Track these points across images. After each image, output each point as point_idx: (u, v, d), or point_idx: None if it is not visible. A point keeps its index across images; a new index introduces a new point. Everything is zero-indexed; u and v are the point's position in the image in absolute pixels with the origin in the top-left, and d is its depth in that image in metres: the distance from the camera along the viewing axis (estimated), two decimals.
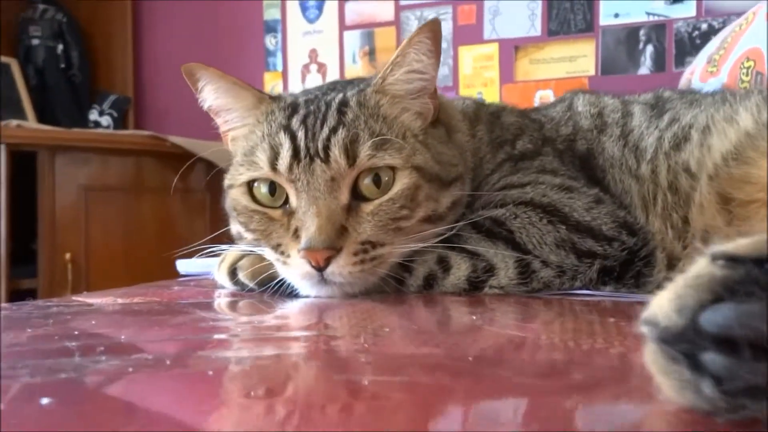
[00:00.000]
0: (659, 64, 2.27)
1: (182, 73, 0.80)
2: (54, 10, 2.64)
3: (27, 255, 2.11)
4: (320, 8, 2.66)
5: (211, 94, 0.81)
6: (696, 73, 1.19)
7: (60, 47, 2.64)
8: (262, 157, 0.74)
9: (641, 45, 2.29)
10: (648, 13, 2.28)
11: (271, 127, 0.76)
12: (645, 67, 2.29)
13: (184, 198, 2.48)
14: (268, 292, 0.73)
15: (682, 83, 1.27)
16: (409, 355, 0.44)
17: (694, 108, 0.80)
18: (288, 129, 0.75)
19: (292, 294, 0.72)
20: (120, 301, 0.71)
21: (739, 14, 2.09)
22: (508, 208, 0.74)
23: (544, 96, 2.38)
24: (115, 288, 0.84)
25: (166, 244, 2.42)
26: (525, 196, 0.75)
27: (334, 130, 0.72)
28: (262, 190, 0.75)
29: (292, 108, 0.78)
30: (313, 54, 2.68)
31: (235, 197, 0.78)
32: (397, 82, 0.76)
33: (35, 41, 2.59)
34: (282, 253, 0.72)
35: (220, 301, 0.73)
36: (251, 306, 0.70)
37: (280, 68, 2.69)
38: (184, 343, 0.48)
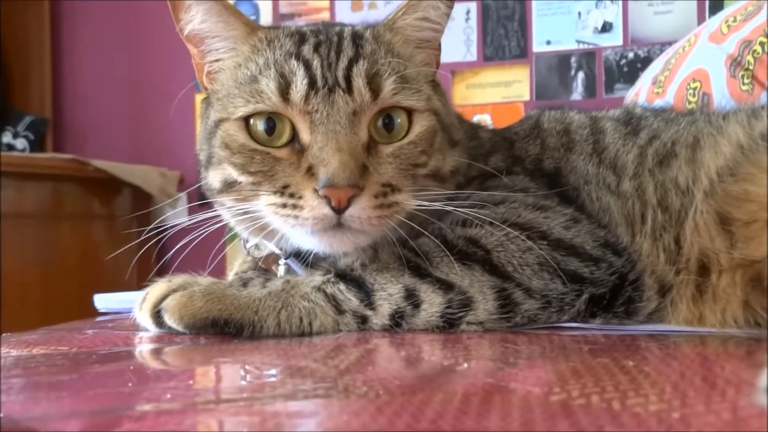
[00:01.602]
0: (590, 90, 2.34)
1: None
2: None
3: None
4: (255, 7, 2.61)
5: (198, 16, 0.72)
6: (642, 95, 1.21)
7: None
8: (270, 86, 0.67)
9: (573, 71, 2.36)
10: (578, 41, 2.35)
11: (276, 54, 0.69)
12: (577, 93, 2.35)
13: (109, 226, 2.33)
14: (201, 333, 0.62)
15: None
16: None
17: (673, 125, 0.79)
18: (300, 56, 0.68)
19: (232, 335, 0.62)
20: (15, 353, 0.58)
21: (662, 43, 2.20)
22: (483, 227, 0.67)
23: (482, 120, 2.40)
24: (21, 326, 0.71)
25: (89, 276, 2.29)
26: (498, 215, 0.68)
27: (354, 60, 0.68)
28: (258, 127, 0.68)
29: (300, 36, 0.71)
30: None
31: (230, 133, 0.69)
32: (409, 26, 0.73)
33: None
34: (291, 195, 0.64)
35: (143, 349, 0.62)
36: (183, 355, 0.59)
37: None
38: (90, 421, 0.36)
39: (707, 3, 2.21)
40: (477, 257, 0.65)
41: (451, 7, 0.74)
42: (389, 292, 0.64)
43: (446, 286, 0.63)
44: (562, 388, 0.40)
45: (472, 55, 2.42)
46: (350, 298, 0.64)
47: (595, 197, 0.76)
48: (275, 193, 0.66)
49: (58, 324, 0.81)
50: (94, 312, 0.97)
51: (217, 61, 0.74)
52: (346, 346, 0.58)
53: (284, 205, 0.65)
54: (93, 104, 2.69)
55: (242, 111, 0.68)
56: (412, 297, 0.63)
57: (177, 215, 2.63)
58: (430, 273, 0.65)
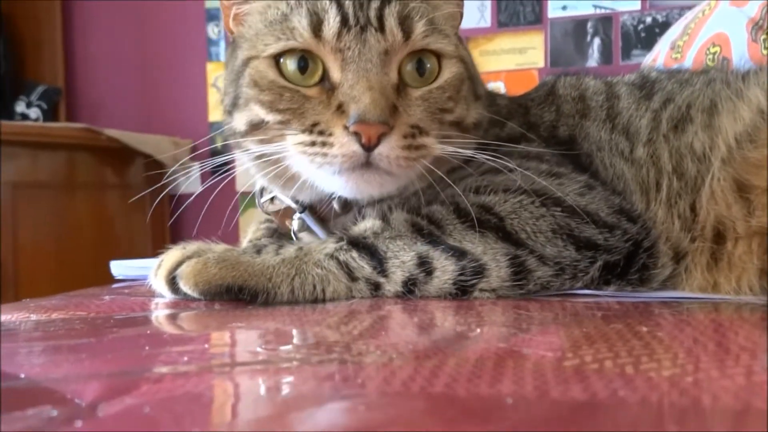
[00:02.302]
0: (606, 56, 2.30)
1: None
2: None
3: None
4: None
5: None
6: (659, 60, 1.19)
7: None
8: (302, 23, 0.67)
9: (589, 37, 2.31)
10: (594, 6, 2.30)
11: None
12: (593, 60, 2.31)
13: (122, 195, 2.35)
14: (216, 300, 0.63)
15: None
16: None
17: (687, 87, 0.77)
18: None
19: (246, 301, 0.62)
20: (34, 317, 0.58)
21: (681, 8, 2.14)
22: (497, 193, 0.67)
23: (495, 88, 2.37)
24: (36, 297, 0.71)
25: (103, 244, 2.31)
26: (512, 182, 0.67)
27: (385, 2, 0.68)
28: (289, 66, 0.68)
29: None
30: None
31: (260, 70, 0.69)
32: None
33: None
34: (321, 132, 0.64)
35: (159, 315, 0.62)
36: (198, 321, 0.59)
37: (223, 58, 2.58)
38: (108, 383, 0.36)
39: None
40: (490, 224, 0.65)
41: None
42: (402, 260, 0.63)
43: (459, 254, 0.63)
44: (575, 354, 0.40)
45: (486, 21, 2.38)
46: (363, 266, 0.64)
47: (609, 164, 0.75)
48: (304, 131, 0.66)
49: (76, 290, 0.82)
50: (109, 280, 0.98)
51: (245, 2, 0.74)
52: (359, 313, 0.58)
53: (313, 143, 0.65)
54: (105, 73, 2.69)
55: (273, 48, 0.68)
56: (425, 264, 0.63)
57: (190, 183, 2.65)
58: (444, 240, 0.64)
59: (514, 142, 0.76)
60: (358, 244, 0.65)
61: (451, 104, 0.70)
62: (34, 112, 2.47)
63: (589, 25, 2.31)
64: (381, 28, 0.67)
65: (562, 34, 2.33)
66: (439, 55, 0.71)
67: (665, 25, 2.08)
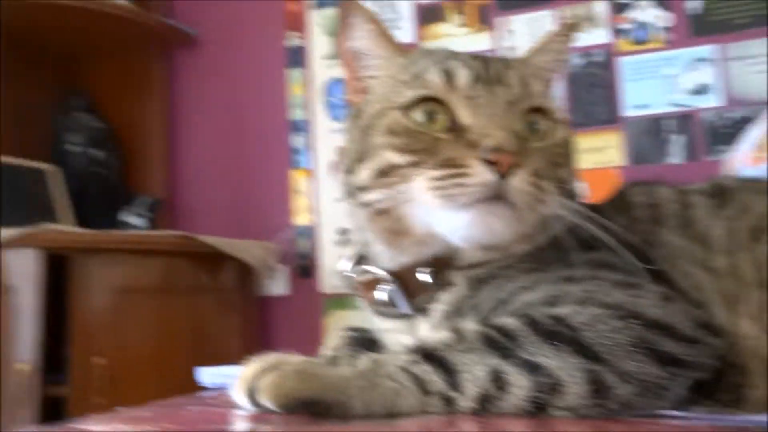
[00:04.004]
0: (689, 153, 2.26)
1: (339, 10, 0.87)
2: (92, 117, 2.75)
3: (57, 361, 2.07)
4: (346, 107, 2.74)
5: (362, 34, 0.83)
6: (741, 160, 1.16)
7: (97, 152, 2.72)
8: (435, 78, 0.75)
9: (669, 135, 2.29)
10: (672, 104, 2.30)
11: (437, 58, 0.78)
12: (675, 157, 2.28)
13: (216, 298, 2.46)
14: (294, 413, 0.63)
15: (725, 170, 1.24)
16: None
17: (762, 196, 0.75)
18: (460, 59, 0.77)
19: (323, 414, 0.62)
20: (123, 429, 0.61)
21: (765, 103, 2.10)
22: (570, 305, 0.65)
23: (580, 187, 2.36)
24: (135, 396, 0.75)
25: (197, 346, 2.41)
26: (585, 293, 0.66)
27: (506, 67, 0.77)
28: (417, 118, 0.75)
29: (453, 52, 0.82)
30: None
31: (393, 118, 0.76)
32: (538, 63, 0.82)
33: (73, 147, 2.69)
34: (454, 165, 0.69)
35: (240, 429, 0.64)
36: None
37: (307, 166, 2.73)
38: None
39: None
40: (565, 337, 0.63)
41: (566, 54, 0.86)
42: (475, 374, 0.62)
43: (533, 368, 0.61)
44: None
45: None
46: (435, 380, 0.63)
47: (687, 273, 0.73)
48: (436, 166, 0.71)
49: (166, 399, 0.86)
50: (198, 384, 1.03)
51: (370, 77, 0.85)
52: (432, 430, 0.58)
53: (447, 176, 0.70)
54: (202, 183, 2.91)
55: (409, 96, 0.76)
56: (498, 379, 0.61)
57: (278, 287, 2.75)
58: (517, 354, 0.63)
59: (586, 249, 0.76)
60: (430, 356, 0.65)
61: (562, 161, 0.75)
62: (138, 221, 2.68)
63: (668, 122, 2.30)
64: (505, 83, 0.75)
65: (640, 132, 2.33)
66: (550, 117, 0.77)
67: (748, 121, 2.03)
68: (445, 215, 0.72)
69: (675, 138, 2.29)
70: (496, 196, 0.68)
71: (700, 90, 2.25)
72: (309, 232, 2.68)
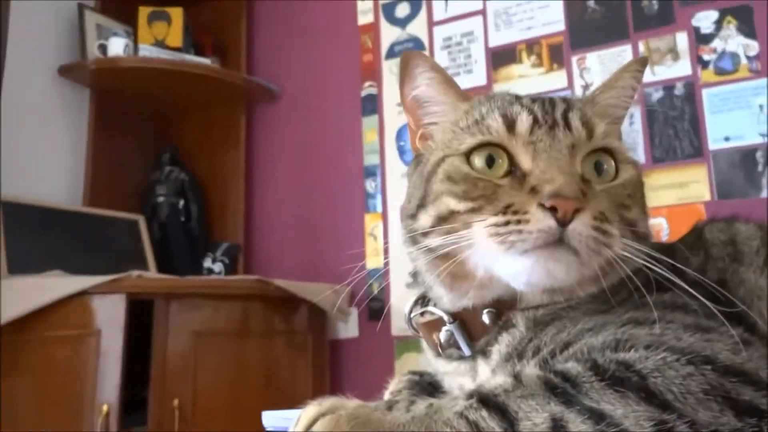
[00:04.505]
0: None
1: (401, 60, 0.86)
2: (178, 170, 2.91)
3: (137, 403, 2.14)
4: None
5: (424, 82, 0.84)
6: None
7: (181, 202, 2.87)
8: (496, 123, 0.74)
9: (760, 167, 2.15)
10: (762, 135, 2.16)
11: (498, 104, 0.78)
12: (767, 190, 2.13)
13: (288, 341, 2.49)
14: None
15: None
16: None
17: None
18: (521, 103, 0.77)
19: None
20: None
21: None
22: (637, 350, 0.61)
23: (656, 224, 2.25)
24: None
25: (271, 388, 2.43)
26: (654, 337, 0.62)
27: (568, 110, 0.75)
28: (477, 162, 0.74)
29: (515, 96, 0.81)
30: None
31: (455, 165, 0.76)
32: (607, 99, 0.81)
33: (160, 198, 2.84)
34: (515, 212, 0.67)
35: None
36: None
37: (379, 209, 2.75)
38: None
39: None
40: (631, 383, 0.58)
41: (636, 89, 0.83)
42: (534, 422, 0.58)
43: (597, 416, 0.56)
44: None
45: (640, 158, 2.32)
46: (493, 426, 0.60)
47: None
48: (497, 213, 0.69)
49: None
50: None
51: (432, 124, 0.85)
52: None
53: (507, 223, 0.68)
54: (277, 228, 2.99)
55: (468, 143, 0.76)
56: (559, 428, 0.57)
57: (348, 329, 2.75)
58: (579, 401, 0.58)
59: (659, 290, 0.71)
60: (488, 402, 0.62)
61: (629, 202, 0.73)
62: (217, 267, 2.77)
63: (759, 154, 2.15)
64: (567, 126, 0.73)
65: (729, 165, 2.19)
66: (616, 158, 0.74)
67: None
68: (506, 260, 0.70)
69: (766, 170, 2.14)
70: (557, 242, 0.66)
71: None
72: (381, 275, 2.68)
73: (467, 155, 0.75)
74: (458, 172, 0.75)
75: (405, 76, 0.85)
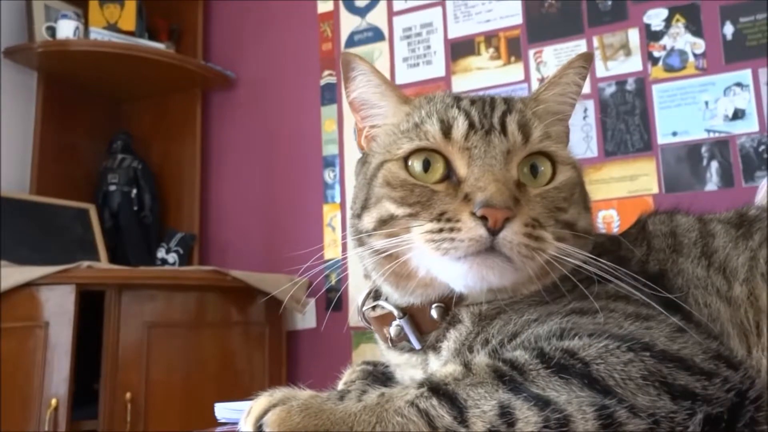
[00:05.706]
0: (726, 179, 2.19)
1: (341, 62, 0.86)
2: (131, 158, 2.84)
3: (88, 396, 2.09)
4: None
5: (361, 85, 0.85)
6: None
7: (134, 191, 2.80)
8: (434, 127, 0.75)
9: (705, 161, 2.23)
10: (708, 130, 2.24)
11: (436, 107, 0.79)
12: (712, 183, 2.21)
13: (244, 332, 2.47)
14: None
15: (759, 198, 1.19)
16: None
17: None
18: (459, 107, 0.77)
19: None
20: None
21: None
22: (581, 338, 0.63)
23: (607, 216, 2.31)
24: None
25: (227, 380, 2.41)
26: (596, 326, 0.64)
27: (506, 113, 0.76)
28: (416, 167, 0.75)
29: (455, 97, 0.81)
30: None
31: (392, 171, 0.77)
32: (550, 99, 0.81)
33: (112, 187, 2.77)
34: (448, 220, 0.69)
35: None
36: None
37: (338, 200, 2.75)
38: None
39: None
40: (575, 370, 0.60)
41: (581, 86, 0.83)
42: (483, 409, 0.60)
43: (542, 403, 0.58)
44: None
45: (593, 152, 2.38)
46: (443, 415, 0.61)
47: (704, 303, 0.70)
48: (432, 220, 0.71)
49: None
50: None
51: (374, 126, 0.86)
52: None
53: (440, 230, 0.69)
54: (233, 218, 2.95)
55: (406, 147, 0.77)
56: (506, 414, 0.59)
57: (306, 320, 2.74)
58: (526, 388, 0.60)
59: (602, 278, 0.73)
60: (438, 390, 0.63)
61: (565, 204, 0.74)
62: (172, 257, 2.73)
63: (704, 149, 2.23)
64: (503, 131, 0.74)
65: (676, 159, 2.27)
66: (553, 161, 0.76)
67: None
68: (443, 265, 0.71)
69: (711, 165, 2.23)
70: (488, 249, 0.68)
71: (738, 115, 2.19)
72: (339, 266, 2.68)
73: (405, 160, 0.76)
74: (396, 178, 0.76)
75: (345, 78, 0.86)
